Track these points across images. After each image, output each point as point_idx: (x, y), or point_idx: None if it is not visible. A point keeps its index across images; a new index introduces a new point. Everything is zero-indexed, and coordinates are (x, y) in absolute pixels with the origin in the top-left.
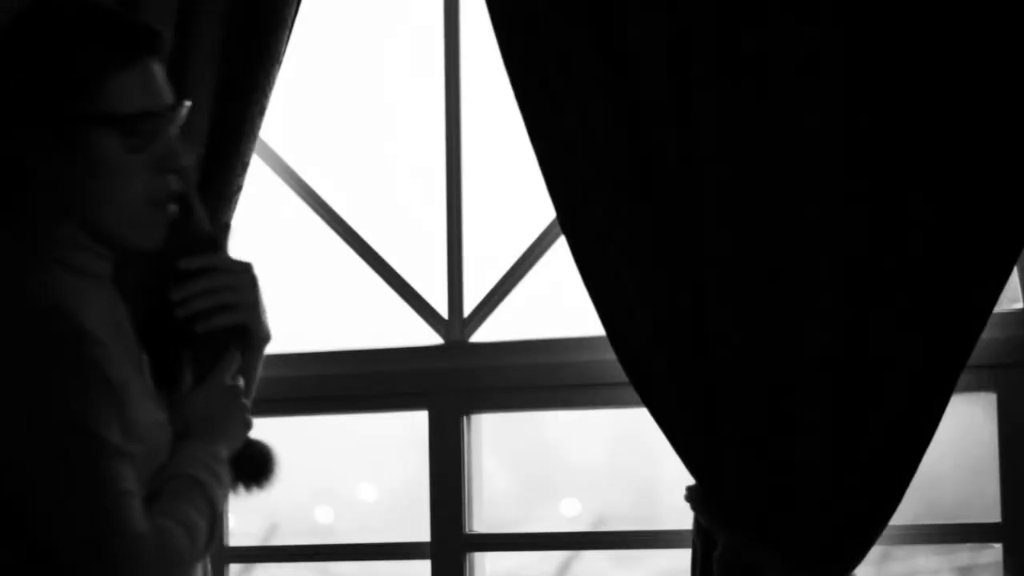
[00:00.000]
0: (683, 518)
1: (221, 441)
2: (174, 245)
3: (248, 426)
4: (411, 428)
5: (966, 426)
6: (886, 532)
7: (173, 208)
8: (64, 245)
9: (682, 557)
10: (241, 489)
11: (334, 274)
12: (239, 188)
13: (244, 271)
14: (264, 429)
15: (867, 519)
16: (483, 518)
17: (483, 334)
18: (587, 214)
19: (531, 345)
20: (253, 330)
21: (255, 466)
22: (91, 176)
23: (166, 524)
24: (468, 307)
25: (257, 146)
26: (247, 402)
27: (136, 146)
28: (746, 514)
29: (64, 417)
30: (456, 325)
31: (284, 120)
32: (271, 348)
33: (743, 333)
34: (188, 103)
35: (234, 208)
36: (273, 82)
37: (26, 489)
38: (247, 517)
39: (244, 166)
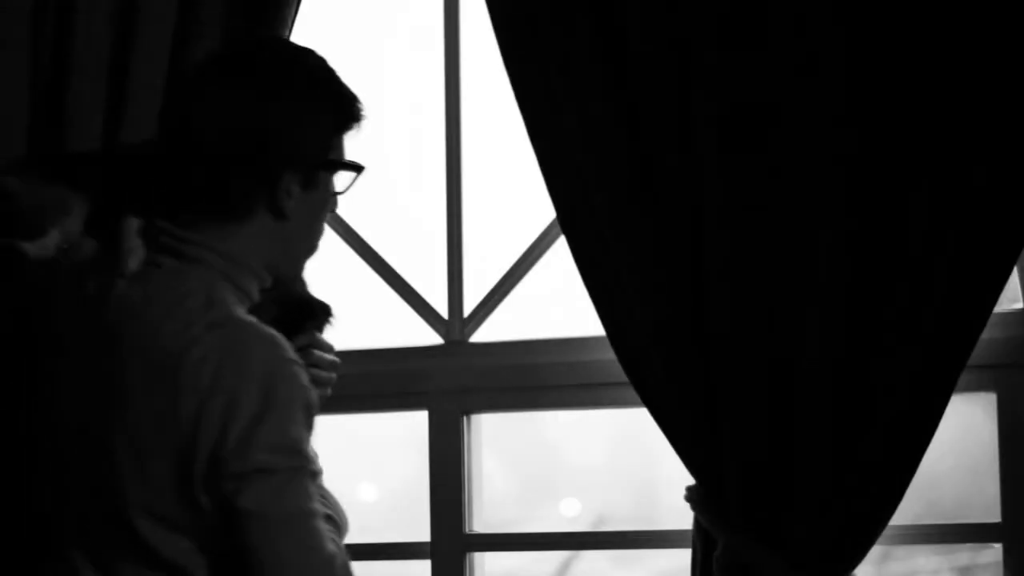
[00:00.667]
0: (683, 518)
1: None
2: (295, 301)
3: None
4: (411, 428)
5: (966, 426)
6: (886, 532)
7: None
8: (244, 271)
9: (682, 557)
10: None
11: (334, 274)
12: None
13: (330, 350)
14: None
15: (867, 519)
16: (483, 518)
17: (483, 334)
18: (587, 214)
19: (531, 345)
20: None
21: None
22: (316, 212)
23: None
24: (468, 307)
25: None
26: None
27: (343, 191)
28: (746, 514)
29: (283, 433)
30: (456, 325)
31: None
32: None
33: (743, 333)
34: None
35: None
36: None
37: (238, 501)
38: None
39: None
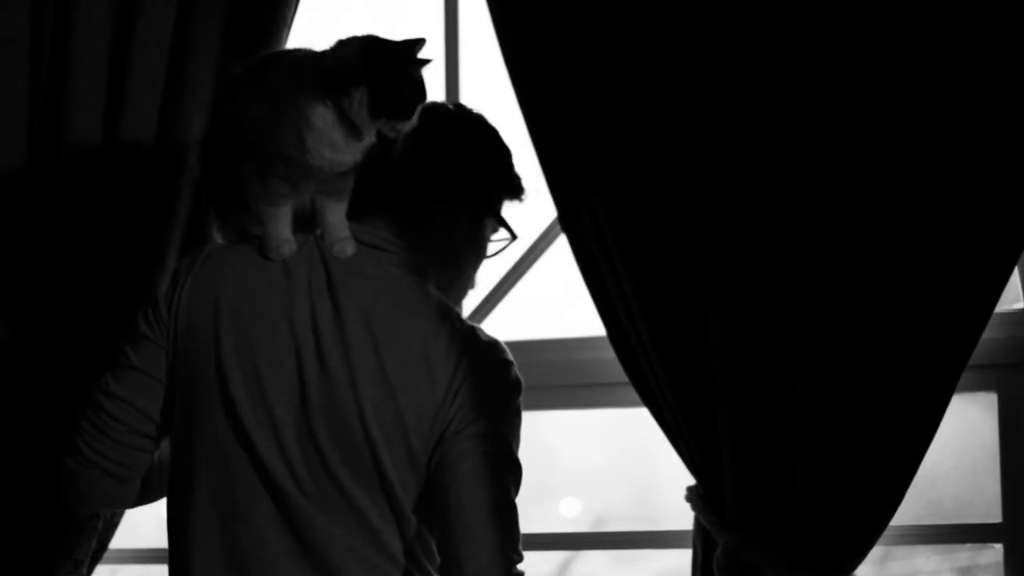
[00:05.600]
0: (683, 518)
1: None
2: None
3: None
4: None
5: (966, 426)
6: (886, 532)
7: None
8: None
9: (682, 557)
10: None
11: None
12: None
13: None
14: None
15: (867, 519)
16: None
17: None
18: (587, 214)
19: (531, 345)
20: None
21: None
22: None
23: None
24: (468, 307)
25: None
26: None
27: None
28: (746, 514)
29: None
30: None
31: None
32: None
33: (743, 333)
34: None
35: None
36: None
37: None
38: None
39: None
